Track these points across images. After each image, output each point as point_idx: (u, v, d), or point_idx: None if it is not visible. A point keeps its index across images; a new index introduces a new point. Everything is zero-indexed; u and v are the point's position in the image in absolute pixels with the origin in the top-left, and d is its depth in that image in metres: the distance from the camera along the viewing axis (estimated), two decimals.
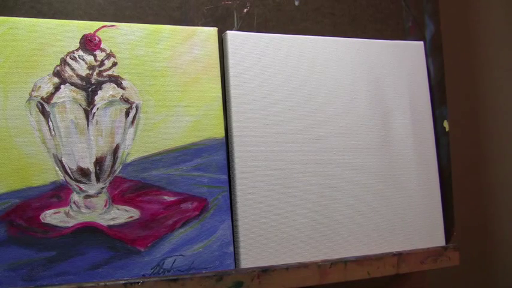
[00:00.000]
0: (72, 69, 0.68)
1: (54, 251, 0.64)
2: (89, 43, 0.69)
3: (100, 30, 0.69)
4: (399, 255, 0.80)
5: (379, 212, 0.81)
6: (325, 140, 0.79)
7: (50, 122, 0.66)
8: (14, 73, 0.65)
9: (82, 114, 0.67)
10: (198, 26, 0.76)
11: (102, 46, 0.69)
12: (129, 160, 0.69)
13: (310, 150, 0.78)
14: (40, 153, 0.65)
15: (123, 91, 0.69)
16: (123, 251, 0.67)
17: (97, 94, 0.68)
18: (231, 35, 0.76)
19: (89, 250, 0.65)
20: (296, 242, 0.75)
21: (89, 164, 0.67)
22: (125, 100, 0.69)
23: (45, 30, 0.67)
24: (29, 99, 0.66)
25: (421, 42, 0.89)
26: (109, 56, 0.69)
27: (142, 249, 0.68)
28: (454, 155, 0.91)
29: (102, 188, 0.68)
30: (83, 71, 0.68)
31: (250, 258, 0.72)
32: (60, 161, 0.66)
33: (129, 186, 0.68)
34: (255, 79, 0.76)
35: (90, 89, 0.68)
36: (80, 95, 0.67)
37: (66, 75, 0.67)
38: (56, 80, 0.67)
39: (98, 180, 0.67)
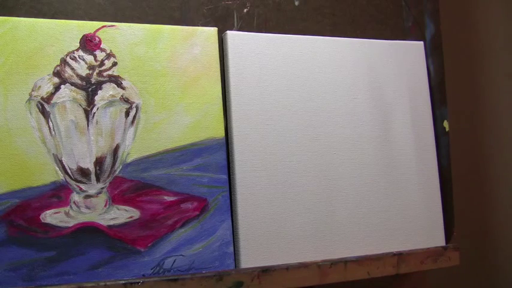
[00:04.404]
0: (72, 69, 0.68)
1: (54, 251, 0.64)
2: (89, 43, 0.69)
3: (100, 30, 0.69)
4: (399, 255, 0.80)
5: (379, 212, 0.81)
6: (325, 140, 0.79)
7: (50, 122, 0.66)
8: (14, 73, 0.65)
9: (82, 114, 0.67)
10: (198, 26, 0.76)
11: (102, 46, 0.69)
12: (129, 160, 0.69)
13: (310, 150, 0.78)
14: (40, 153, 0.65)
15: (123, 91, 0.69)
16: (123, 251, 0.67)
17: (97, 94, 0.68)
18: (231, 35, 0.76)
19: (89, 250, 0.65)
20: (296, 242, 0.75)
21: (89, 164, 0.67)
22: (125, 100, 0.69)
23: (45, 30, 0.67)
24: (29, 99, 0.66)
25: (421, 42, 0.89)
26: (109, 56, 0.69)
27: (142, 249, 0.68)
28: (454, 155, 0.91)
29: (102, 188, 0.68)
30: (83, 71, 0.68)
31: (250, 258, 0.72)
32: (60, 161, 0.66)
33: (129, 186, 0.68)
34: (255, 79, 0.76)
35: (90, 89, 0.68)
36: (80, 95, 0.67)
37: (66, 75, 0.67)
38: (56, 80, 0.67)
39: (98, 180, 0.67)
